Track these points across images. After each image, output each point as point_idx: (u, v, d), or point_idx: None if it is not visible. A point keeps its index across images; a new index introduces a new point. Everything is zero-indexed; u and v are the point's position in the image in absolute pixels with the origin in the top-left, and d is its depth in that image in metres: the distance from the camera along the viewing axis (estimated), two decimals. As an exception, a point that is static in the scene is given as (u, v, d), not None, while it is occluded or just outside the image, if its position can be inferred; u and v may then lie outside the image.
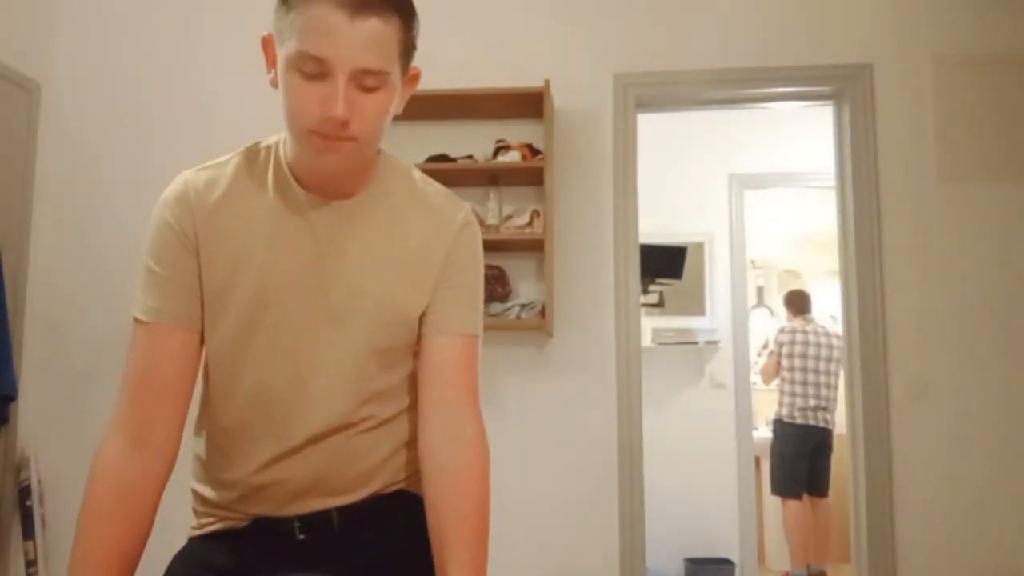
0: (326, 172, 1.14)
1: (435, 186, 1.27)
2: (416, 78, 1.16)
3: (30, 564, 3.04)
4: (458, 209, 1.25)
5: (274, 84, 1.10)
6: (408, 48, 1.10)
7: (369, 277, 1.17)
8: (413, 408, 1.25)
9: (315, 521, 1.20)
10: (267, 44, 1.11)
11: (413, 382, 1.25)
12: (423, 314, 1.21)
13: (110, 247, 3.28)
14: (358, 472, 1.21)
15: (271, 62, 1.11)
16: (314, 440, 1.17)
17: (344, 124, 1.04)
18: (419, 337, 1.22)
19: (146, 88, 3.37)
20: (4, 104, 3.11)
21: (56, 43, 3.39)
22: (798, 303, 4.99)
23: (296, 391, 1.16)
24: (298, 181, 1.16)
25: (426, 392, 1.20)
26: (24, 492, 3.10)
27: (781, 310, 5.19)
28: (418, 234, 1.21)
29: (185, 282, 1.14)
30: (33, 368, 3.23)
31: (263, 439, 1.17)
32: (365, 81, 1.04)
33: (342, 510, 1.20)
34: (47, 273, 3.29)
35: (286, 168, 1.16)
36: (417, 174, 1.27)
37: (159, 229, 1.15)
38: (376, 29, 1.03)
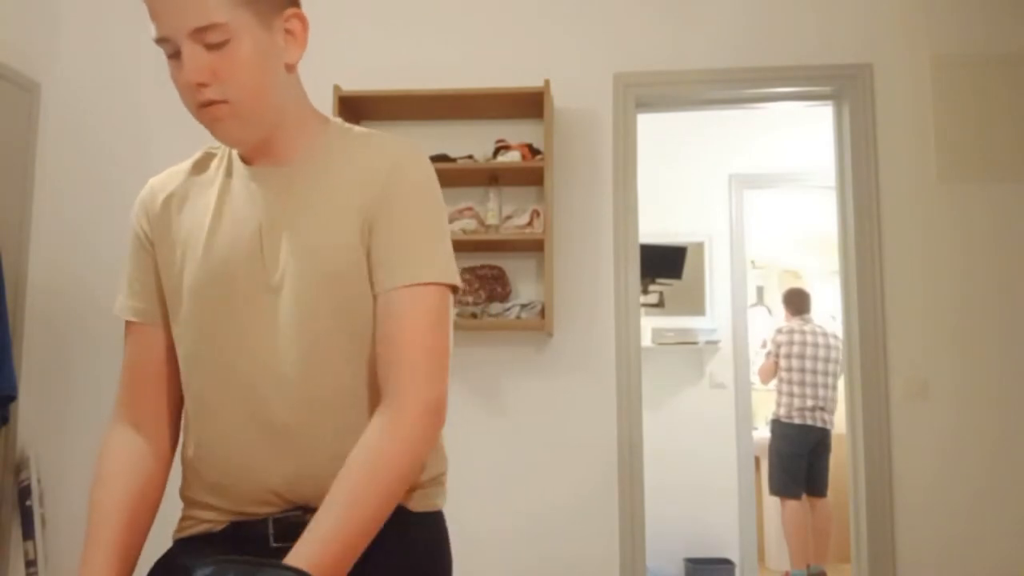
0: (241, 146, 1.13)
1: (385, 136, 1.19)
2: (298, 17, 1.11)
3: (30, 564, 3.04)
4: (402, 145, 1.16)
5: None
6: None
7: (304, 240, 1.11)
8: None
9: (290, 529, 1.09)
10: None
11: None
12: (371, 272, 1.12)
13: (110, 247, 3.28)
14: (326, 472, 1.08)
15: None
16: (267, 425, 1.10)
17: (200, 87, 1.04)
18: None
19: (146, 88, 3.37)
20: (4, 104, 3.10)
21: (56, 43, 3.39)
22: (796, 303, 4.98)
23: (237, 371, 1.11)
24: (243, 160, 1.18)
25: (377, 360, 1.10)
26: (24, 492, 3.10)
27: (780, 309, 5.19)
28: (352, 177, 1.13)
29: (147, 281, 1.21)
30: (33, 368, 3.22)
31: (222, 422, 1.13)
32: (207, 39, 1.02)
33: None
34: (47, 273, 3.29)
35: (236, 152, 1.20)
36: (365, 130, 1.21)
37: (130, 234, 1.24)
38: None
